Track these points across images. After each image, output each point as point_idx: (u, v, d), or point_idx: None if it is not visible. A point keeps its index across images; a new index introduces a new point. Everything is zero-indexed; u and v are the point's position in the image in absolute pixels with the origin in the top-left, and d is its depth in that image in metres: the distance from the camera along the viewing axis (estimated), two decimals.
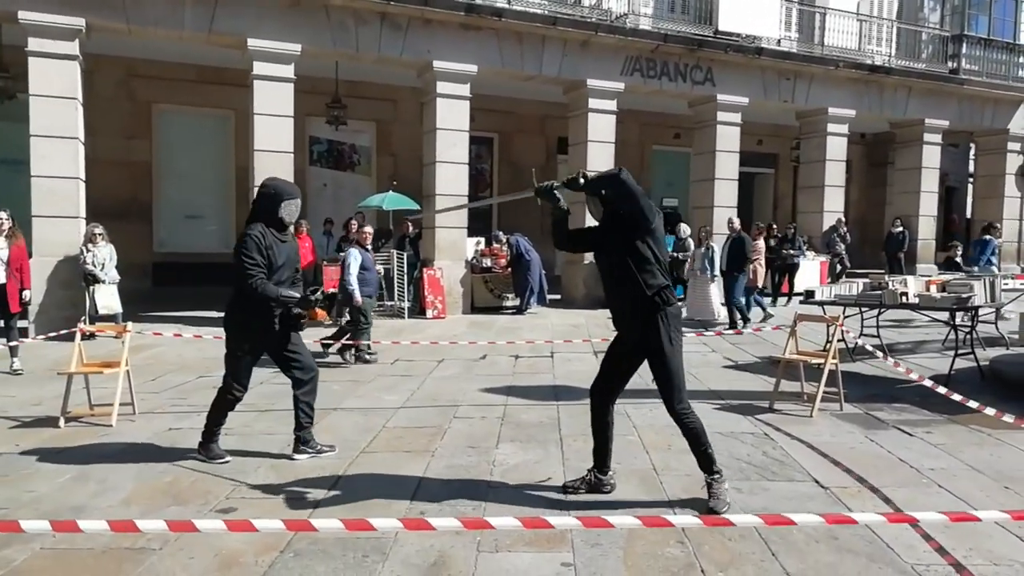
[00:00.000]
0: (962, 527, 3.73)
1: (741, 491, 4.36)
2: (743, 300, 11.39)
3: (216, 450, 4.86)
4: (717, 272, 11.85)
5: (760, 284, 12.11)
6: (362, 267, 8.48)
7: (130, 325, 6.36)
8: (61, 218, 10.44)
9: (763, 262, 12.37)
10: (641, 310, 3.99)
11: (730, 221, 12.07)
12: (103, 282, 9.92)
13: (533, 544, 3.58)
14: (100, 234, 10.05)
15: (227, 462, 4.78)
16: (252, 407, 6.33)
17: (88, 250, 9.94)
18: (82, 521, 2.44)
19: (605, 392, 4.34)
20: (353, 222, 11.82)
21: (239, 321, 4.73)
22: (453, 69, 12.77)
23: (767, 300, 12.86)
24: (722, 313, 11.96)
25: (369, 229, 9.17)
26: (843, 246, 16.05)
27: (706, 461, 4.07)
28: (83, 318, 7.86)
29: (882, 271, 15.65)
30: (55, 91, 10.33)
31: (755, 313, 11.81)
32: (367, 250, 8.75)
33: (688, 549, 3.54)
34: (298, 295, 4.75)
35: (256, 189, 4.93)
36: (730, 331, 10.26)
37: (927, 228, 17.93)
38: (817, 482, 4.52)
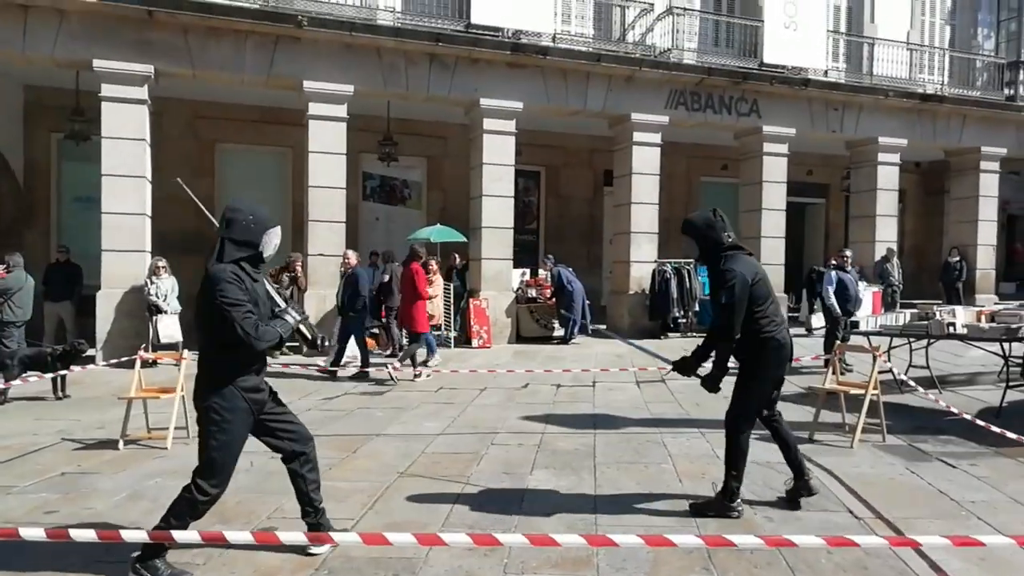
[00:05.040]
0: (996, 559, 3.68)
1: (772, 520, 4.36)
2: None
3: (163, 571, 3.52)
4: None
5: (440, 322, 11.20)
6: (843, 286, 9.68)
7: (186, 353, 6.70)
8: (128, 252, 11.05)
9: (442, 297, 11.72)
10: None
11: (345, 256, 10.46)
12: (165, 312, 10.41)
13: (559, 567, 3.66)
14: (163, 267, 10.58)
15: None
16: None
17: (152, 282, 10.47)
18: (125, 532, 2.65)
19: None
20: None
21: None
22: (499, 106, 13.11)
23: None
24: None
25: (849, 253, 10.47)
26: (897, 276, 15.69)
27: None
28: (143, 345, 8.29)
29: (938, 302, 15.24)
30: (125, 133, 11.01)
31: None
32: (847, 271, 9.92)
33: (713, 575, 3.57)
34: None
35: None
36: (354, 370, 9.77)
37: (986, 258, 17.39)
38: (851, 512, 4.48)
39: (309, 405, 7.96)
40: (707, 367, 4.51)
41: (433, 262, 10.98)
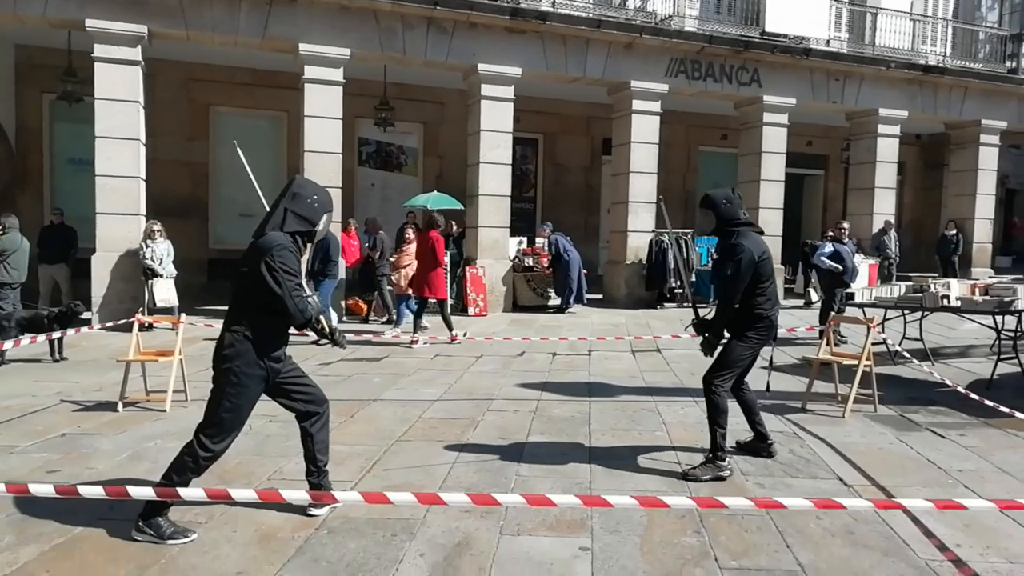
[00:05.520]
0: (980, 525, 3.77)
1: (763, 487, 4.44)
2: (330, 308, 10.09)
3: (168, 530, 3.56)
4: None
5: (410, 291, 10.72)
6: (839, 257, 9.87)
7: (183, 316, 6.73)
8: (123, 215, 10.99)
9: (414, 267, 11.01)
10: None
11: None
12: (161, 276, 10.40)
13: (554, 529, 3.74)
14: (158, 231, 10.54)
15: None
16: None
17: (147, 246, 10.44)
18: (132, 488, 2.69)
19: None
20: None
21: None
22: (497, 72, 12.97)
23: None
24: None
25: (847, 225, 10.72)
26: (894, 249, 15.75)
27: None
28: (140, 309, 8.29)
29: (934, 275, 15.33)
30: (119, 95, 10.88)
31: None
32: (843, 243, 10.16)
33: (704, 539, 3.65)
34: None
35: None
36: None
37: (983, 231, 17.44)
38: (841, 480, 4.56)
39: (307, 370, 7.97)
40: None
41: (410, 230, 10.94)
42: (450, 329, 9.85)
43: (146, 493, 2.64)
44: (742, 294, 4.53)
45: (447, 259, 12.88)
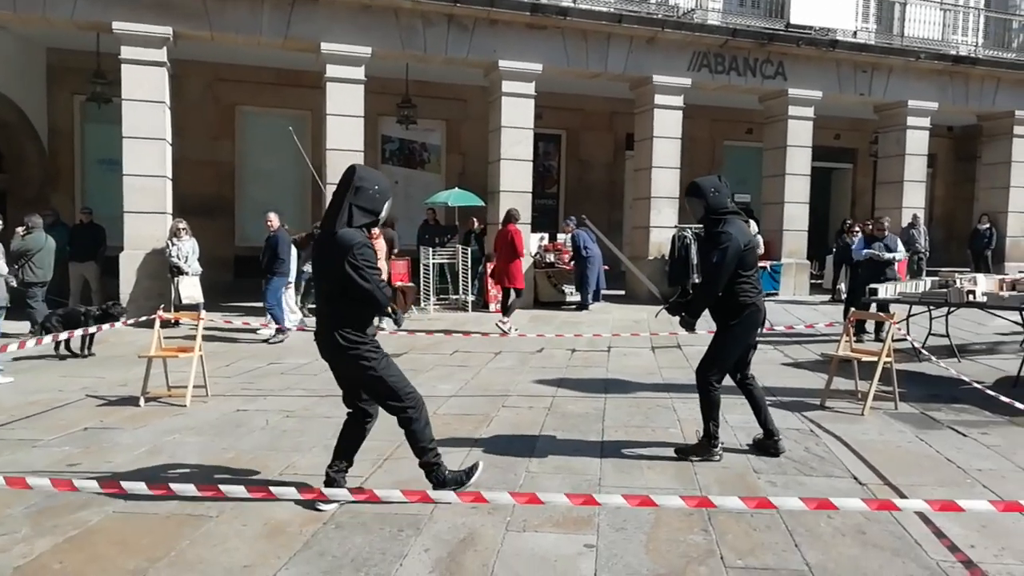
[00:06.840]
0: (998, 526, 3.69)
1: (775, 484, 4.39)
2: (279, 306, 9.98)
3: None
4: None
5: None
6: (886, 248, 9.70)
7: (204, 313, 6.83)
8: (149, 214, 11.20)
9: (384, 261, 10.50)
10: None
11: (267, 219, 10.21)
12: (187, 274, 10.56)
13: (560, 526, 3.73)
14: (184, 229, 10.69)
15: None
16: (313, 392, 6.68)
17: (173, 244, 10.60)
18: (125, 482, 2.75)
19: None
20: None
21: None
22: (518, 68, 12.96)
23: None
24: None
25: (887, 221, 10.38)
26: (923, 243, 15.43)
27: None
28: (162, 306, 8.44)
29: (966, 269, 15.00)
30: (145, 95, 11.07)
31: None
32: (881, 240, 9.82)
33: (711, 537, 3.62)
34: None
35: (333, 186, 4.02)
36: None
37: (1017, 225, 16.99)
38: (855, 479, 4.49)
39: (324, 366, 8.06)
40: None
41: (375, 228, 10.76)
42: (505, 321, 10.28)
43: (139, 488, 2.69)
44: (726, 283, 4.58)
45: (468, 255, 12.98)
